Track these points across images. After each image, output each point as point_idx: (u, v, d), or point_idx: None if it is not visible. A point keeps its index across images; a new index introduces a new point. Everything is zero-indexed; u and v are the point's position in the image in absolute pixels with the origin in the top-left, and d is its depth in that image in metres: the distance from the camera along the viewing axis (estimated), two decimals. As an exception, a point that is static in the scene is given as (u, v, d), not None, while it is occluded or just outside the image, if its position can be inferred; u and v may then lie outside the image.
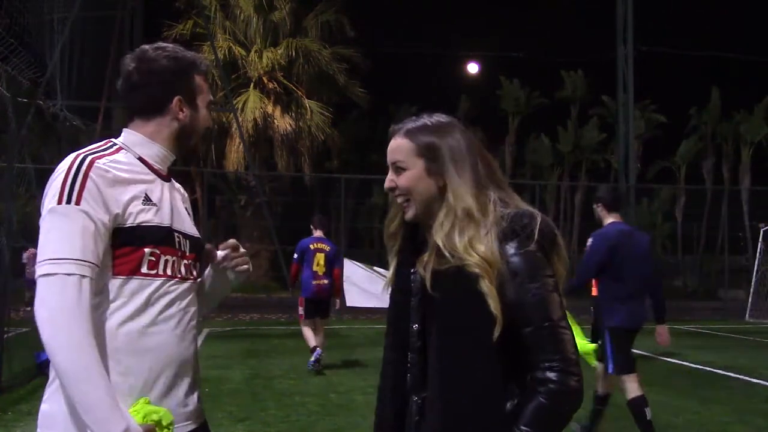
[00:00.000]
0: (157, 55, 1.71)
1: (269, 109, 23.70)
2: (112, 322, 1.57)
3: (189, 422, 1.69)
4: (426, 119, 1.57)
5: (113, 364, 1.55)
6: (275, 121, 23.68)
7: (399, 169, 1.55)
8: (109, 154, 1.64)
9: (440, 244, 1.46)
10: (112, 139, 1.74)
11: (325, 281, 7.91)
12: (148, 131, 1.73)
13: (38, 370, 6.72)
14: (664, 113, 37.74)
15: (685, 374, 8.27)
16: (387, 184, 1.56)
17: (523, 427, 1.38)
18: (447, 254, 1.45)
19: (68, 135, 9.45)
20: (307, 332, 7.95)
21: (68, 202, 1.52)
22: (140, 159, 1.71)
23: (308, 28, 24.80)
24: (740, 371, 8.24)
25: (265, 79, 24.04)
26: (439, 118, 1.58)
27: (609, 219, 4.81)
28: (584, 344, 4.88)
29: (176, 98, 1.72)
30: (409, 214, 1.55)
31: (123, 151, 1.69)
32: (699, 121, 37.98)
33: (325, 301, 8.09)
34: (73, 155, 1.60)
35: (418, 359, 1.55)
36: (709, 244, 33.94)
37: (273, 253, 21.71)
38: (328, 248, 8.02)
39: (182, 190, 1.91)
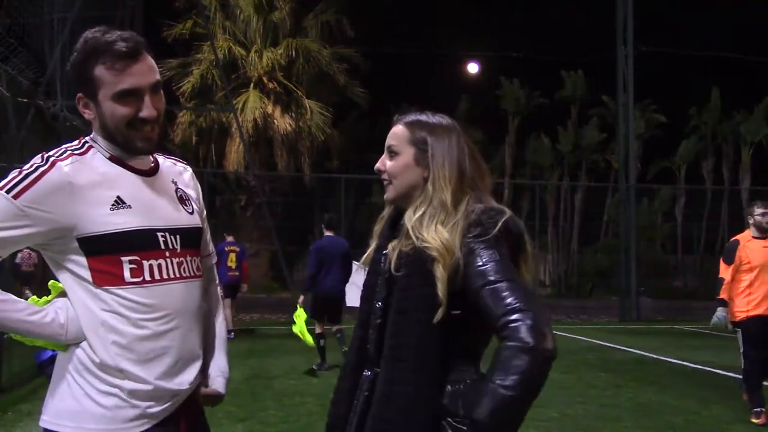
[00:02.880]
0: (76, 47, 1.54)
1: (269, 109, 23.68)
2: (110, 336, 1.55)
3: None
4: (428, 116, 1.67)
5: (112, 370, 1.56)
6: (275, 121, 23.66)
7: (392, 153, 1.65)
8: (77, 155, 1.55)
9: (408, 225, 1.56)
10: (87, 137, 1.62)
11: (236, 273, 10.99)
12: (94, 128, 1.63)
13: (38, 370, 6.67)
14: (664, 113, 37.65)
15: (685, 374, 8.27)
16: (377, 165, 1.68)
17: (496, 380, 1.37)
18: (412, 236, 1.54)
19: (68, 135, 9.44)
20: (228, 315, 9.87)
21: (8, 192, 1.46)
22: (111, 158, 1.59)
23: (308, 28, 24.78)
24: (740, 371, 8.22)
25: (265, 79, 24.02)
26: (441, 118, 1.67)
27: None
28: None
29: (77, 96, 1.56)
30: (388, 194, 1.67)
31: (93, 150, 1.58)
32: (699, 121, 37.88)
33: (236, 287, 11.11)
34: (40, 154, 1.52)
35: (377, 336, 1.61)
36: (709, 244, 33.86)
37: (273, 253, 21.69)
38: (238, 249, 11.17)
39: (179, 174, 1.76)
